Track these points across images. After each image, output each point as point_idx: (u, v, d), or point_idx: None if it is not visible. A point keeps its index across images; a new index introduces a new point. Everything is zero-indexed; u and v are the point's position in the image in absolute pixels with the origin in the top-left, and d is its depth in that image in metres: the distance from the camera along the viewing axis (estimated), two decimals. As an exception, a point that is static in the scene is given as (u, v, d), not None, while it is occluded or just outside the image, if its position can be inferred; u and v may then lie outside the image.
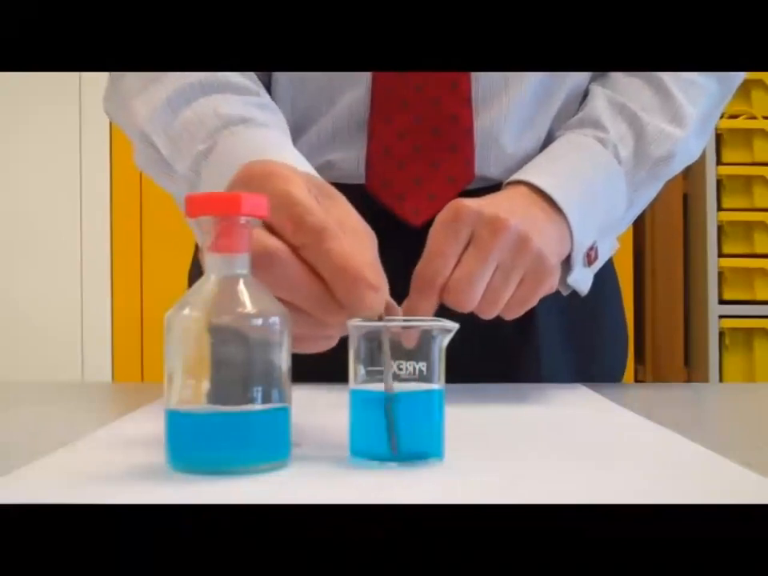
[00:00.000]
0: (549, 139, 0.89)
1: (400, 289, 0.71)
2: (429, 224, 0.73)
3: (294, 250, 0.55)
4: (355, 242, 0.57)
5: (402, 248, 0.72)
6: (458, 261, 0.71)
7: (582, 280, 0.83)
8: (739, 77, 0.94)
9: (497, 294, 0.72)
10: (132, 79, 0.81)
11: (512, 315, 0.75)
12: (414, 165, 0.85)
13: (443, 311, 0.69)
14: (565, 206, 0.78)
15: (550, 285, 0.76)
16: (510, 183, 0.81)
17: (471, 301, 0.70)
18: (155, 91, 0.79)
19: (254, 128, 0.74)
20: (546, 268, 0.74)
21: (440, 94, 0.84)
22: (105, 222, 2.38)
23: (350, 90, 0.86)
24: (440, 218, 0.72)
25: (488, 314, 0.73)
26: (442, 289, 0.70)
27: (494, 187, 0.85)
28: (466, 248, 0.71)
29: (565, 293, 0.84)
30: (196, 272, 0.95)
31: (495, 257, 0.71)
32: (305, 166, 0.70)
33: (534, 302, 0.75)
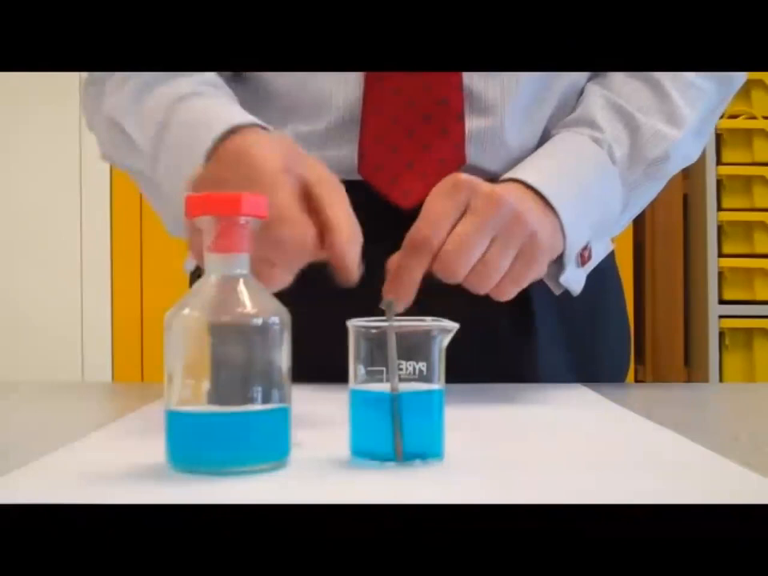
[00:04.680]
0: (545, 138, 0.89)
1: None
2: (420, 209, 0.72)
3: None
4: (333, 194, 0.64)
5: (395, 240, 0.72)
6: (453, 228, 0.70)
7: (574, 280, 0.83)
8: (739, 80, 0.93)
9: (492, 265, 0.71)
10: (110, 82, 0.87)
11: (503, 295, 0.74)
12: (407, 149, 0.84)
13: (441, 305, 0.69)
14: (556, 202, 0.78)
15: (540, 268, 0.76)
16: (502, 181, 0.80)
17: (463, 267, 0.69)
18: (124, 86, 0.85)
19: (204, 98, 0.80)
20: (540, 248, 0.74)
21: (431, 79, 0.84)
22: (105, 222, 2.38)
23: (343, 86, 0.86)
24: (436, 188, 0.72)
25: (481, 287, 0.72)
26: (434, 252, 0.69)
27: (489, 181, 0.85)
28: (461, 218, 0.71)
29: (557, 292, 0.83)
30: (196, 272, 0.95)
31: (492, 226, 0.71)
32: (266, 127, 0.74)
33: (525, 283, 0.75)
